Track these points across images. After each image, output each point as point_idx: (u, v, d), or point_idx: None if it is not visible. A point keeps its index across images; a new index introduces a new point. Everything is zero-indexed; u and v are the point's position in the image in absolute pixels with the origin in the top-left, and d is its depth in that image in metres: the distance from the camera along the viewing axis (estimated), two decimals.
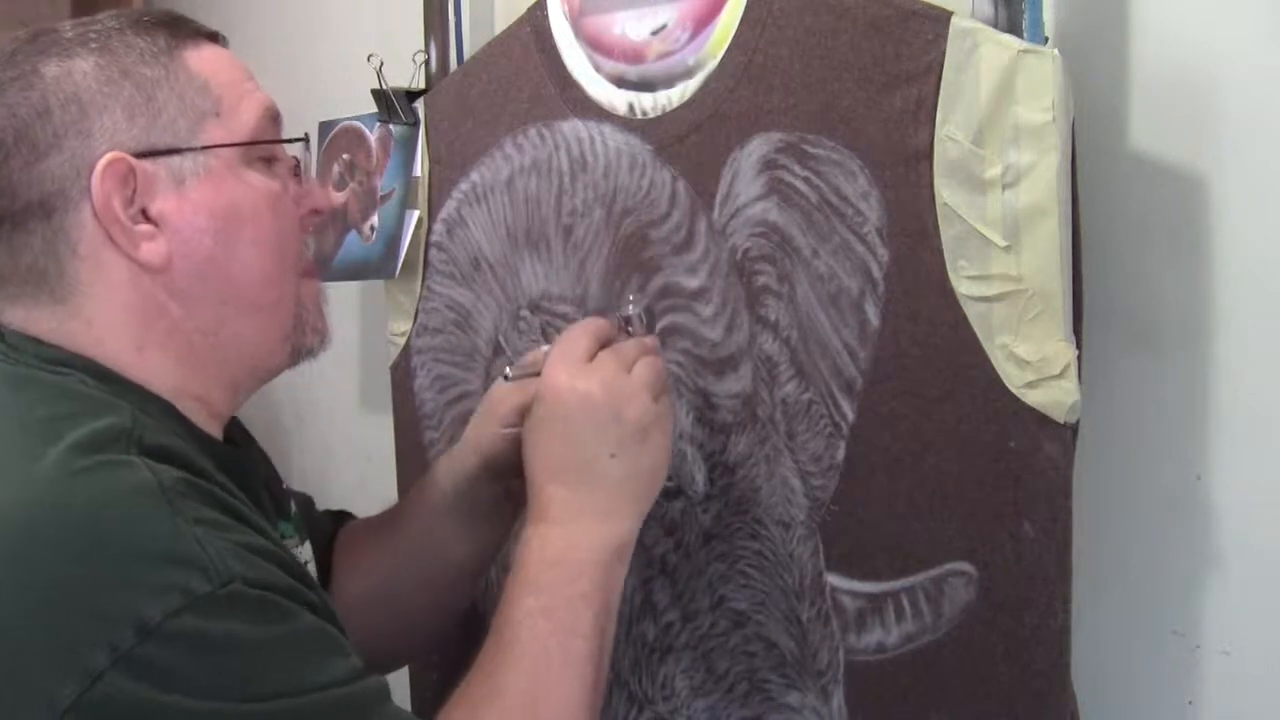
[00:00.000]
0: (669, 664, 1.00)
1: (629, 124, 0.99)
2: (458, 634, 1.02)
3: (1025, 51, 0.77)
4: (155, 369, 0.76)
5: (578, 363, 0.83)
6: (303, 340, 0.83)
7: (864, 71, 0.85)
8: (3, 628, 0.62)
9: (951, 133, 0.81)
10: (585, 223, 1.01)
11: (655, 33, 0.97)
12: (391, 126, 1.19)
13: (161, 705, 0.61)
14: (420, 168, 1.15)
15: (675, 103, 0.96)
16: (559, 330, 1.03)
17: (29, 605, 0.62)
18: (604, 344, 0.86)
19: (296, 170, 0.84)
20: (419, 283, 1.15)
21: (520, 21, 1.07)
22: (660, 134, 0.97)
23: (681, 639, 0.99)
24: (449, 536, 0.96)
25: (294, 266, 0.82)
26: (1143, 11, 0.84)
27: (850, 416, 0.88)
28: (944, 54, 0.81)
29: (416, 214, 1.15)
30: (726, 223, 0.93)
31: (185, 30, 0.79)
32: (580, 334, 0.86)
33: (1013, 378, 0.80)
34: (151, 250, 0.75)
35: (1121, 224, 0.86)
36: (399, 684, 1.15)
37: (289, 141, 0.83)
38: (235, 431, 0.86)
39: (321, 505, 1.03)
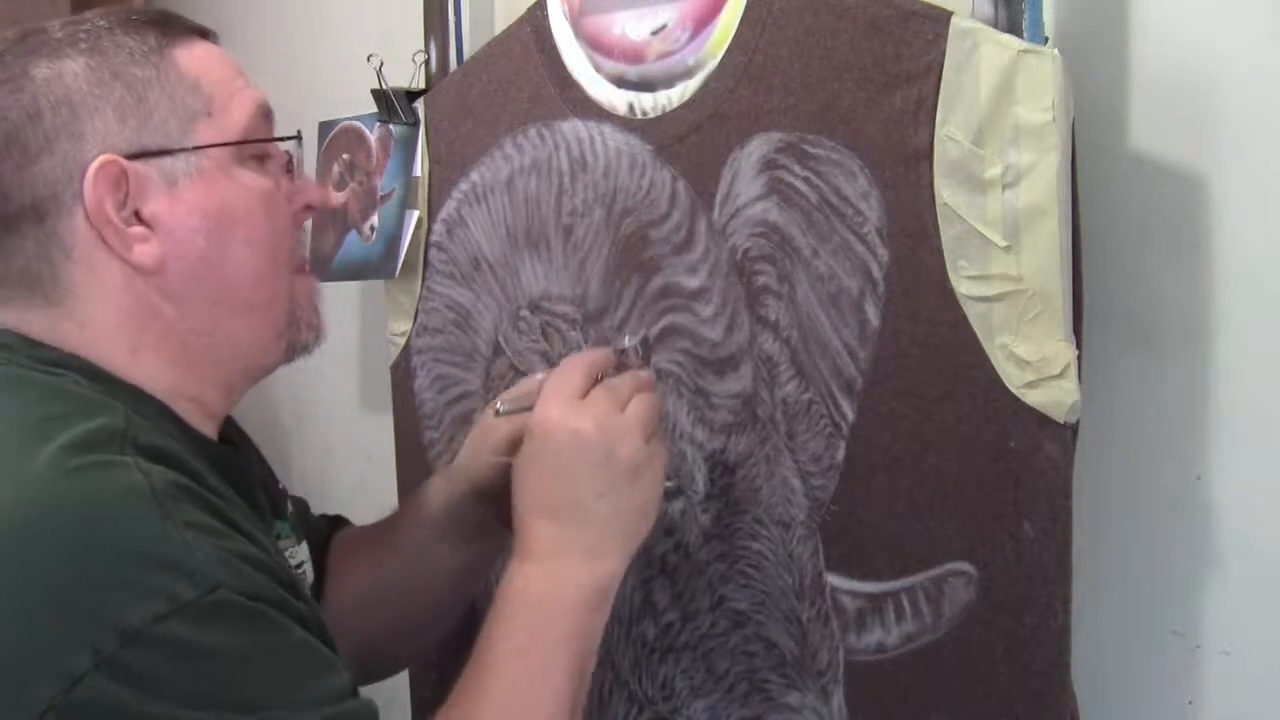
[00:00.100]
0: (669, 664, 1.00)
1: (629, 124, 0.99)
2: (458, 635, 1.02)
3: (1025, 51, 0.77)
4: (149, 370, 0.76)
5: (571, 398, 0.82)
6: (297, 337, 0.82)
7: (864, 71, 0.85)
8: None
9: (951, 133, 0.81)
10: (585, 223, 1.01)
11: (655, 33, 0.97)
12: (391, 126, 1.19)
13: (140, 711, 0.60)
14: (420, 168, 1.15)
15: (675, 103, 0.96)
16: (559, 330, 1.03)
17: (13, 604, 0.62)
18: (599, 377, 0.85)
19: (289, 166, 0.83)
20: (419, 283, 1.15)
21: (520, 21, 1.07)
22: (660, 134, 0.97)
23: (681, 639, 0.99)
24: (440, 554, 0.96)
25: (287, 264, 0.82)
26: (1143, 11, 0.84)
27: (850, 416, 0.88)
28: (944, 54, 0.81)
29: (416, 214, 1.15)
30: (726, 223, 0.93)
31: (175, 28, 0.79)
32: (575, 368, 0.85)
33: (1013, 378, 0.80)
34: (145, 252, 0.75)
35: (1121, 224, 0.86)
36: (399, 683, 1.15)
37: (280, 140, 0.82)
38: (231, 432, 0.85)
39: (321, 505, 1.03)
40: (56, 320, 0.75)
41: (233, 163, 0.78)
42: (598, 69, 1.01)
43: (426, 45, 1.18)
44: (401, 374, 1.18)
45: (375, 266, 1.20)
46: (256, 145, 0.80)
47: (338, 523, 1.02)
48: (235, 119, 0.78)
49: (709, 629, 0.97)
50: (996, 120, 0.79)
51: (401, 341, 1.17)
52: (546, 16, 1.04)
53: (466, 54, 1.17)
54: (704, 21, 0.94)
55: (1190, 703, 0.85)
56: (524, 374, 1.06)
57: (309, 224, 0.90)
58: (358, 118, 1.25)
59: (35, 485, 0.65)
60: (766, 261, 0.91)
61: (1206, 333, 0.83)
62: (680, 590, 0.98)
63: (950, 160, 0.81)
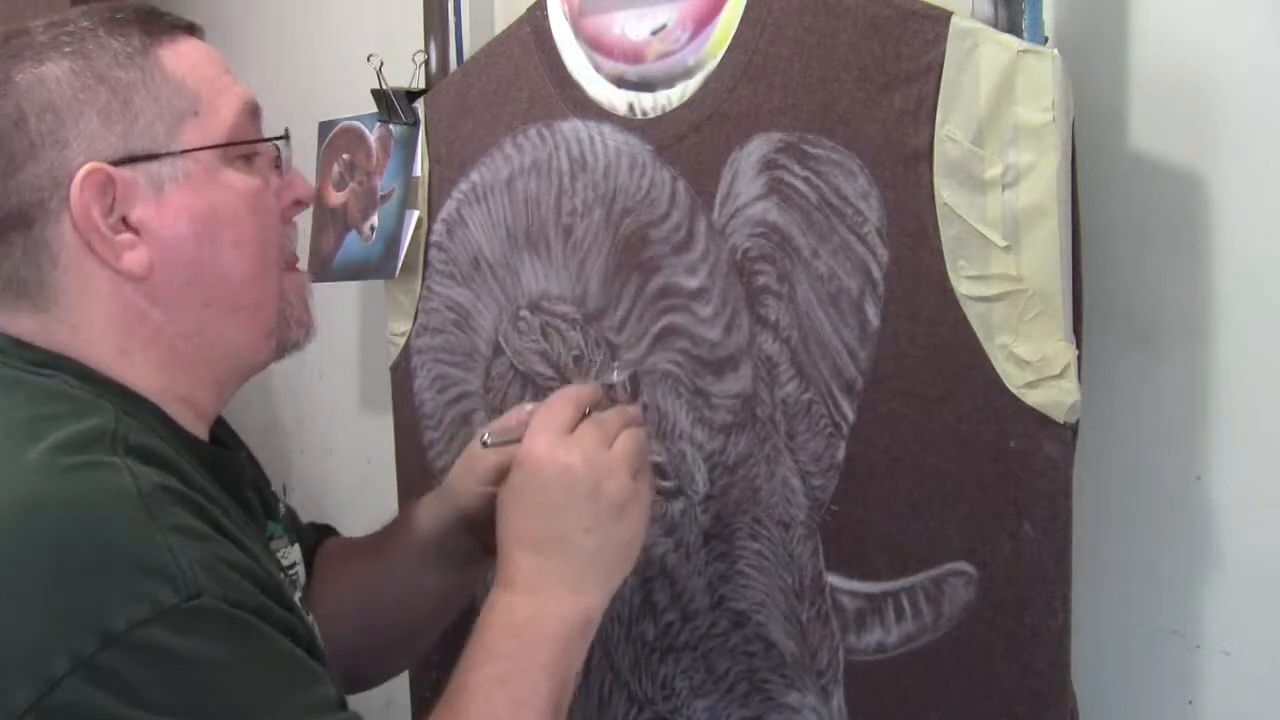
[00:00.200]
0: (669, 664, 1.00)
1: (629, 124, 0.99)
2: (458, 637, 1.02)
3: (1025, 51, 0.77)
4: (140, 371, 0.76)
5: (560, 432, 0.82)
6: (287, 334, 0.82)
7: (864, 71, 0.85)
8: None
9: (951, 133, 0.81)
10: (585, 223, 1.01)
11: (655, 33, 0.97)
12: (391, 126, 1.19)
13: (118, 716, 0.60)
14: (420, 168, 1.15)
15: (675, 103, 0.96)
16: (558, 330, 1.03)
17: None
18: (587, 411, 0.85)
19: (278, 162, 0.83)
20: (419, 283, 1.15)
21: (520, 21, 1.07)
22: (660, 134, 0.97)
23: (681, 639, 0.99)
24: (425, 577, 0.96)
25: (277, 262, 0.81)
26: (1142, 11, 0.84)
27: (850, 416, 0.88)
28: (944, 54, 0.81)
29: (416, 214, 1.15)
30: (726, 223, 0.93)
31: (160, 25, 0.78)
32: (563, 402, 0.85)
33: (1013, 378, 0.80)
34: (133, 259, 0.74)
35: (1121, 224, 0.86)
36: (399, 684, 1.15)
37: (267, 140, 0.81)
38: (222, 433, 0.85)
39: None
40: (46, 324, 0.75)
41: (220, 164, 0.77)
42: (598, 69, 1.01)
43: (426, 45, 1.18)
44: (401, 374, 1.18)
45: (375, 266, 1.20)
46: (244, 144, 0.79)
47: (325, 532, 1.02)
48: (222, 118, 0.77)
49: (709, 629, 0.97)
50: (996, 120, 0.79)
51: (401, 341, 1.17)
52: (546, 16, 1.04)
53: (466, 54, 1.17)
54: (704, 21, 0.94)
55: (1190, 703, 0.85)
56: (524, 374, 1.06)
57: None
58: (358, 118, 1.25)
59: (23, 484, 0.65)
60: (766, 261, 0.91)
61: (1206, 333, 0.83)
62: (680, 590, 0.98)
63: (950, 160, 0.81)
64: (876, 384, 0.86)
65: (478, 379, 1.11)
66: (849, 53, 0.85)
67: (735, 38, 0.92)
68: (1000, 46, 0.78)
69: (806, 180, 0.88)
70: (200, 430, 0.79)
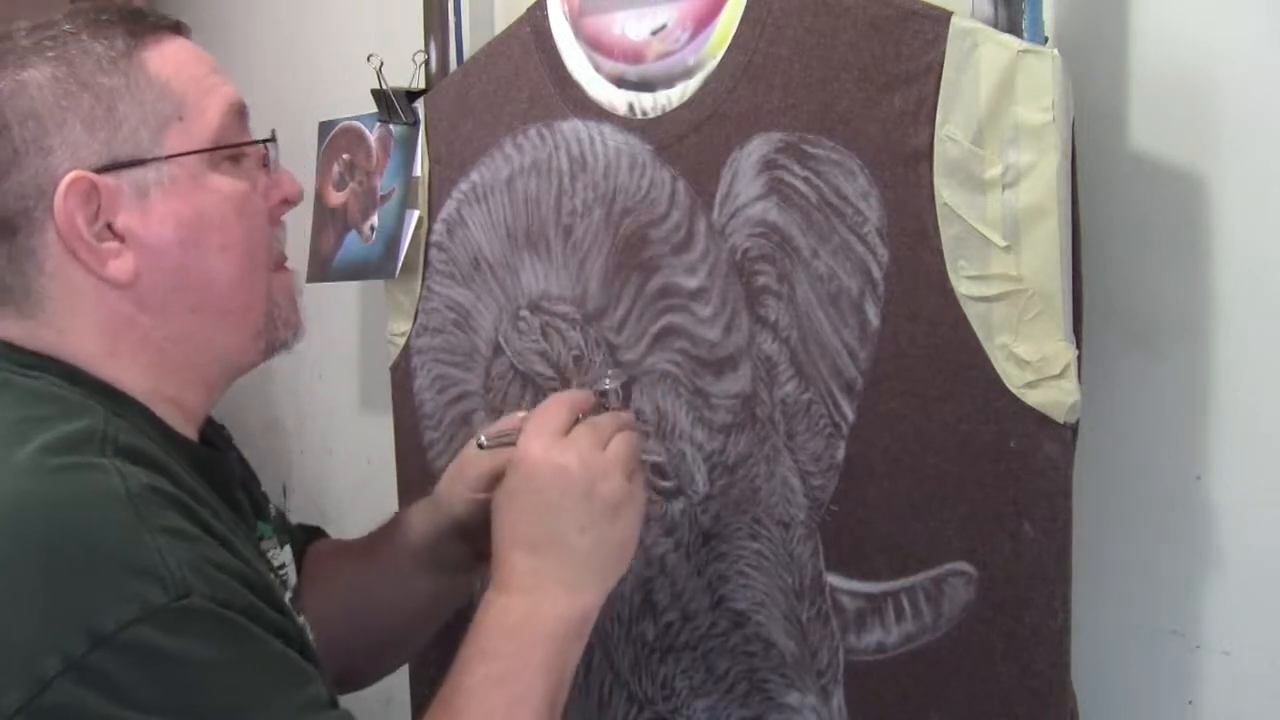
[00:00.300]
0: (669, 664, 1.00)
1: (629, 124, 0.99)
2: (458, 633, 1.02)
3: (1025, 51, 0.77)
4: (128, 374, 0.75)
5: (554, 435, 0.82)
6: (275, 335, 0.82)
7: (864, 71, 0.85)
8: None
9: (951, 133, 0.81)
10: (585, 223, 1.01)
11: (655, 33, 0.97)
12: (391, 126, 1.19)
13: (109, 716, 0.60)
14: (420, 168, 1.15)
15: (675, 103, 0.96)
16: (558, 330, 1.03)
17: None
18: (581, 416, 0.85)
19: (265, 161, 0.82)
20: (419, 283, 1.15)
21: (520, 21, 1.07)
22: (660, 134, 0.97)
23: (681, 639, 0.99)
24: (415, 580, 0.96)
25: (264, 264, 0.81)
26: (1142, 12, 0.84)
27: (850, 416, 0.88)
28: (944, 54, 0.81)
29: (416, 214, 1.15)
30: (726, 223, 0.93)
31: (144, 27, 0.77)
32: (558, 406, 0.85)
33: (1013, 378, 0.80)
34: (118, 267, 0.74)
35: (1121, 224, 0.86)
36: (399, 683, 1.15)
37: (253, 143, 0.81)
38: (211, 433, 0.85)
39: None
40: (33, 329, 0.75)
41: (206, 168, 0.77)
42: (598, 69, 1.01)
43: (426, 45, 1.18)
44: (401, 374, 1.18)
45: (375, 266, 1.20)
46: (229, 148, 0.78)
47: (314, 533, 1.02)
48: (207, 120, 0.77)
49: (709, 629, 0.97)
50: (996, 120, 0.79)
51: (401, 342, 1.17)
52: (546, 16, 1.04)
53: (466, 54, 1.17)
54: (704, 21, 0.94)
55: (1190, 703, 0.85)
56: (524, 374, 1.06)
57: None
58: (358, 118, 1.25)
59: (12, 486, 0.65)
60: (766, 261, 0.91)
61: (1206, 333, 0.83)
62: (680, 590, 0.98)
63: (950, 160, 0.81)
64: (876, 384, 0.86)
65: (478, 379, 1.11)
66: (849, 53, 0.85)
67: (735, 38, 0.92)
68: (1000, 46, 0.78)
69: (806, 180, 0.88)
70: (189, 431, 0.79)
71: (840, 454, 0.89)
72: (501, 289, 1.08)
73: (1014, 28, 0.79)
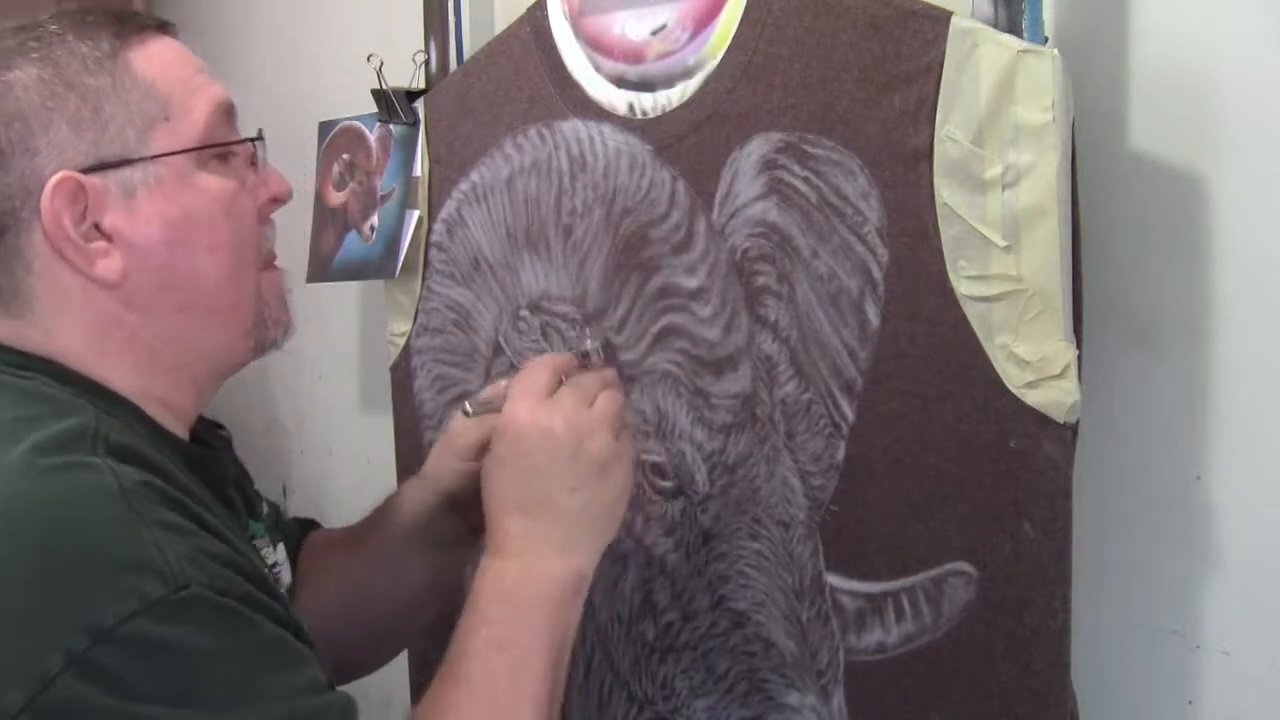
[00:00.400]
0: (669, 664, 1.00)
1: (629, 124, 0.99)
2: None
3: (1025, 51, 0.77)
4: (117, 373, 0.75)
5: (538, 397, 0.82)
6: (265, 334, 0.82)
7: (864, 71, 0.85)
8: None
9: (951, 133, 0.81)
10: (585, 223, 1.01)
11: (655, 33, 0.97)
12: (391, 126, 1.19)
13: (113, 710, 0.60)
14: (420, 168, 1.15)
15: (675, 103, 0.96)
16: (558, 330, 1.03)
17: None
18: (564, 378, 0.85)
19: (254, 160, 0.82)
20: (419, 283, 1.15)
21: (520, 21, 1.07)
22: (660, 134, 0.97)
23: (681, 639, 0.99)
24: (409, 562, 0.96)
25: (253, 263, 0.81)
26: (1142, 12, 0.84)
27: (850, 416, 0.88)
28: (944, 54, 0.81)
29: (416, 214, 1.15)
30: (726, 223, 0.93)
31: (130, 26, 0.77)
32: (540, 369, 0.85)
33: (1013, 378, 0.80)
34: (106, 267, 0.74)
35: (1121, 224, 0.86)
36: (399, 683, 1.15)
37: (240, 142, 0.80)
38: (203, 431, 0.85)
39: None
40: (21, 329, 0.75)
41: (194, 167, 0.77)
42: (598, 69, 1.01)
43: (426, 45, 1.18)
44: (401, 374, 1.18)
45: (375, 266, 1.20)
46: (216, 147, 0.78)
47: (309, 525, 1.02)
48: (194, 120, 0.77)
49: (709, 629, 0.97)
50: (996, 120, 0.79)
51: (401, 342, 1.17)
52: (546, 16, 1.04)
53: (466, 54, 1.18)
54: (704, 21, 0.94)
55: (1190, 703, 0.85)
56: None
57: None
58: (358, 118, 1.25)
59: (4, 486, 0.65)
60: (766, 261, 0.91)
61: (1206, 333, 0.83)
62: (680, 590, 0.98)
63: (950, 160, 0.81)
64: (876, 384, 0.86)
65: (478, 379, 1.11)
66: (849, 53, 0.85)
67: (735, 38, 0.92)
68: (1000, 46, 0.78)
69: (806, 180, 0.88)
70: (180, 430, 0.79)
71: (840, 454, 0.89)
72: (501, 289, 1.08)
73: (1014, 28, 0.79)
